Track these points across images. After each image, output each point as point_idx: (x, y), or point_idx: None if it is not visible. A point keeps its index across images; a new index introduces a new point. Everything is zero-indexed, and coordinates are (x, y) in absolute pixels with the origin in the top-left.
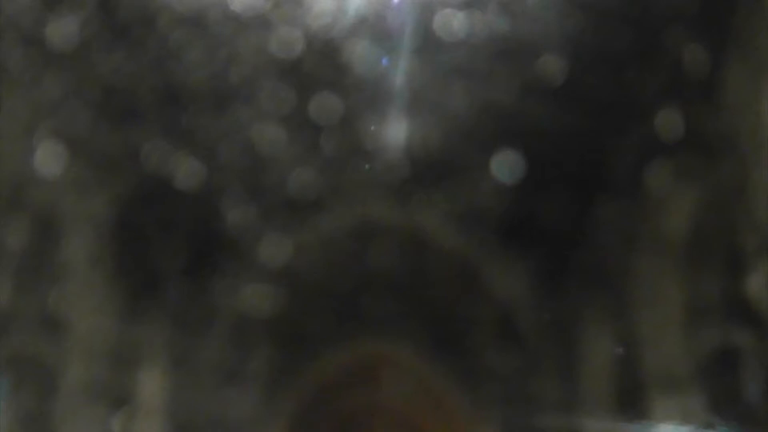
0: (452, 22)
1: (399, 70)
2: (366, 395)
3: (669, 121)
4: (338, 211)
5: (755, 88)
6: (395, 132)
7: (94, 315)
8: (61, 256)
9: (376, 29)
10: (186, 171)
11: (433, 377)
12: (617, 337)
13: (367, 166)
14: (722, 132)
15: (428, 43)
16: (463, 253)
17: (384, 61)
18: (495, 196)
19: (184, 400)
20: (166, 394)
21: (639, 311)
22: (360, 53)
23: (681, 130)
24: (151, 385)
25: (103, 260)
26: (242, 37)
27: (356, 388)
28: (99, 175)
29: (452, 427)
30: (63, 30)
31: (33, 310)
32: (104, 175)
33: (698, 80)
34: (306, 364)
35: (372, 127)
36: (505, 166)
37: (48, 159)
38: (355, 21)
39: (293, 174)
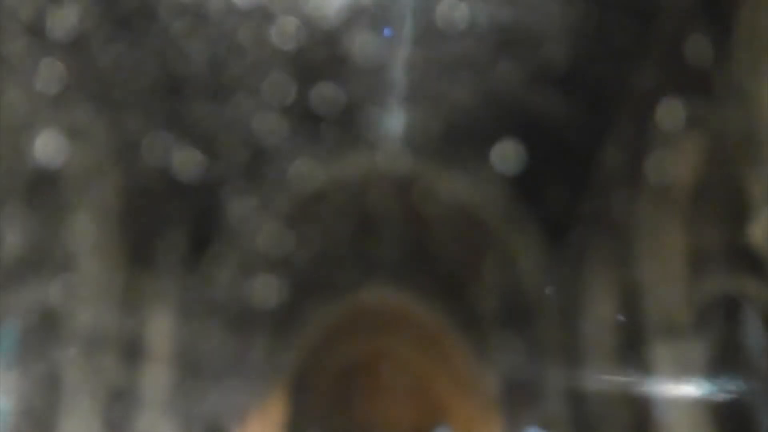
0: None
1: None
2: (370, 341)
3: (675, 71)
4: (345, 162)
5: (765, 38)
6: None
7: (102, 265)
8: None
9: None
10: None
11: (436, 324)
12: (621, 286)
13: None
14: (730, 81)
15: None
16: (468, 203)
17: (387, 32)
18: (500, 148)
19: (191, 346)
20: (174, 340)
21: (643, 260)
22: None
23: (687, 79)
24: (159, 332)
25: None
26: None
27: (360, 334)
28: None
29: (454, 372)
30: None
31: (42, 259)
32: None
33: (707, 29)
34: (313, 309)
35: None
36: (512, 117)
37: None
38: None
39: (299, 126)
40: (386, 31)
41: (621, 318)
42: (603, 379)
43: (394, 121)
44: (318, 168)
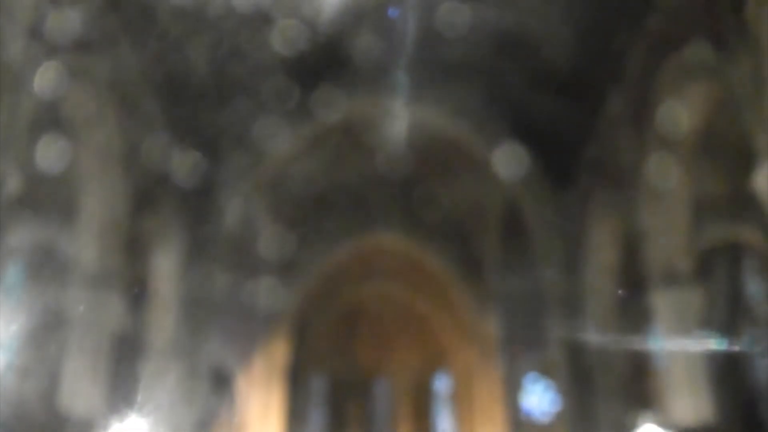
0: None
1: None
2: (373, 286)
3: (687, 19)
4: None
5: None
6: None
7: (107, 202)
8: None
9: None
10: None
11: (439, 270)
12: (623, 233)
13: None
14: (740, 30)
15: None
16: (472, 148)
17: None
18: (506, 91)
19: (196, 285)
20: (179, 279)
21: (646, 207)
22: None
23: (699, 28)
24: (164, 271)
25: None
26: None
27: (363, 278)
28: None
29: (455, 318)
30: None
31: (46, 198)
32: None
33: None
34: (317, 253)
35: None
36: (516, 60)
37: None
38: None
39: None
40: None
41: (621, 292)
42: (603, 327)
43: (400, 65)
44: (335, 102)
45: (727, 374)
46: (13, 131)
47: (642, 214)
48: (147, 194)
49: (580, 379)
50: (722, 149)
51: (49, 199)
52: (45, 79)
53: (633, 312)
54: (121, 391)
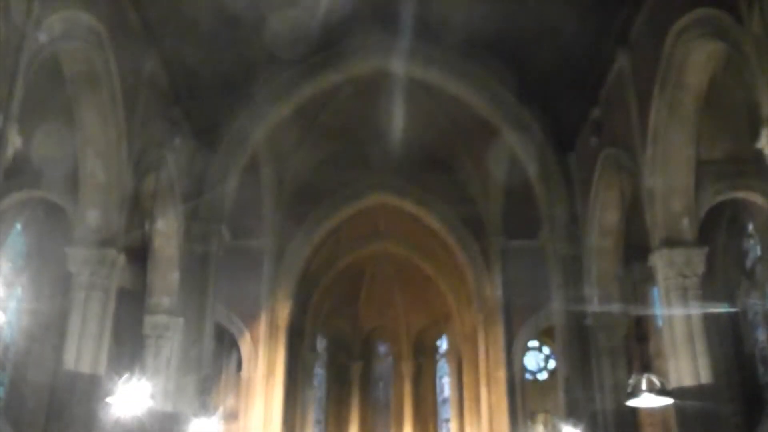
0: None
1: None
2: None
3: None
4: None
5: None
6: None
7: (109, 160)
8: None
9: None
10: None
11: (442, 231)
12: (627, 193)
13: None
14: None
15: None
16: (477, 109)
17: None
18: (511, 52)
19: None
20: (182, 237)
21: (650, 167)
22: None
23: None
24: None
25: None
26: None
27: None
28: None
29: (458, 279)
30: None
31: (48, 153)
32: None
33: None
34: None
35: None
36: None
37: None
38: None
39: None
40: None
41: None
42: (605, 288)
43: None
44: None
45: (726, 335)
46: (13, 89)
47: (646, 174)
48: (149, 151)
49: (580, 341)
50: (727, 109)
51: (51, 158)
52: (46, 35)
53: (635, 273)
54: (126, 350)
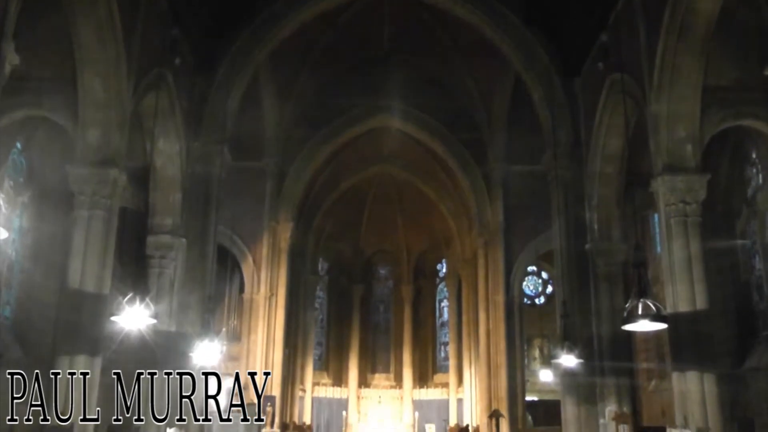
0: None
1: None
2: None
3: None
4: None
5: None
6: None
7: (108, 79)
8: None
9: None
10: None
11: (445, 156)
12: (631, 115)
13: None
14: None
15: None
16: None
17: None
18: None
19: (201, 164)
20: (184, 158)
21: (657, 93)
22: None
23: None
24: (168, 149)
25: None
26: None
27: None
28: None
29: (459, 203)
30: None
31: (47, 72)
32: None
33: None
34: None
35: None
36: None
37: None
38: None
39: None
40: None
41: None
42: (605, 214)
43: None
44: None
45: (724, 263)
46: (8, 5)
47: (653, 100)
48: (149, 71)
49: (579, 266)
50: (737, 36)
51: (50, 76)
52: None
53: (635, 200)
54: (130, 270)
